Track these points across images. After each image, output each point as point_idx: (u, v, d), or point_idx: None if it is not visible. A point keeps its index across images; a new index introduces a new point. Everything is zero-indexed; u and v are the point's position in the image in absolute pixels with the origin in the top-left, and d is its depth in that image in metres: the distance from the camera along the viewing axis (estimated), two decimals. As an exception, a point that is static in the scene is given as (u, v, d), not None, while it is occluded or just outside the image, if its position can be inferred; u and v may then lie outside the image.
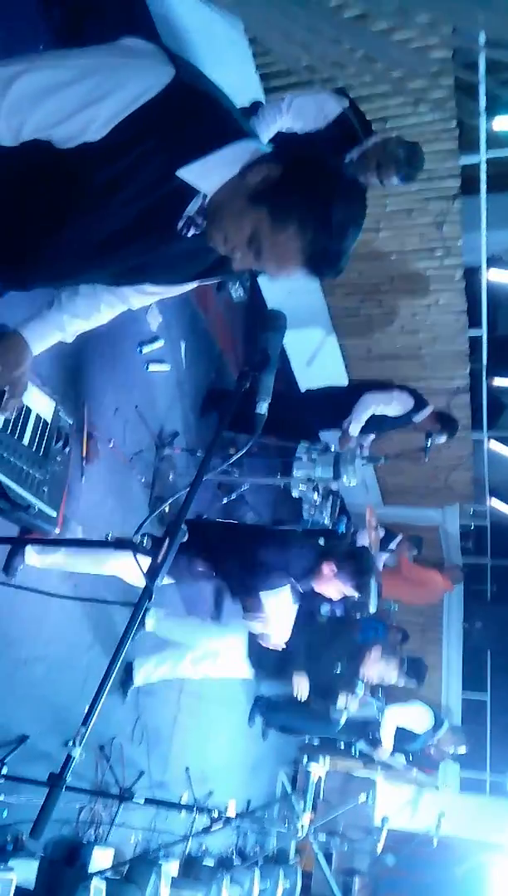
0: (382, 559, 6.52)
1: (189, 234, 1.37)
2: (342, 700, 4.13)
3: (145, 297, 1.66)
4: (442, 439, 5.09)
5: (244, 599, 3.42)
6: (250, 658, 3.74)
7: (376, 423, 5.01)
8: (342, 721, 4.61)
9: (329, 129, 3.33)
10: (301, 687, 3.88)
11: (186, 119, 1.24)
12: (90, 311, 1.63)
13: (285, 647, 3.67)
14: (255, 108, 3.41)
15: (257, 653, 3.72)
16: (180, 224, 1.36)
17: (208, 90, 1.31)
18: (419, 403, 4.95)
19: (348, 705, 4.17)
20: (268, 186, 1.29)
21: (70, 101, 1.19)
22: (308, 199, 1.27)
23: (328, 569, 3.58)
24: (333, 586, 3.60)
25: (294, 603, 3.60)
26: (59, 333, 1.62)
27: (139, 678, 3.96)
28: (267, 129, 3.27)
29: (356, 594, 3.71)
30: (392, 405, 4.89)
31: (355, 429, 4.87)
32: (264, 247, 1.31)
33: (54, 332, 1.62)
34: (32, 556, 3.06)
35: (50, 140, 1.23)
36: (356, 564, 3.69)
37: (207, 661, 3.82)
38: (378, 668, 3.86)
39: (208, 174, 1.30)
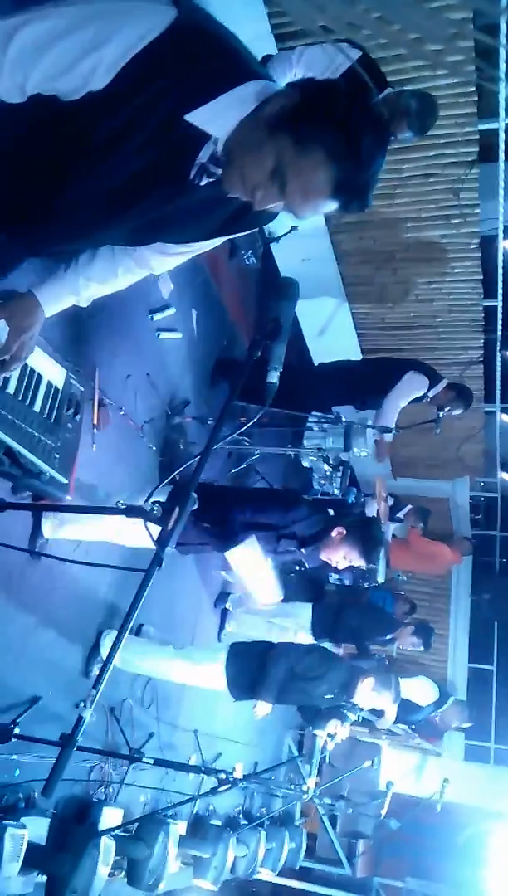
0: (391, 528, 6.55)
1: (202, 183, 1.31)
2: (331, 726, 4.14)
3: (166, 259, 1.60)
4: (458, 411, 5.03)
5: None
6: (229, 672, 3.70)
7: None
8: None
9: (340, 81, 3.26)
10: (262, 709, 3.85)
11: (192, 60, 1.19)
12: (107, 274, 1.58)
13: (266, 669, 3.65)
14: (265, 61, 3.34)
15: (240, 669, 3.69)
16: (193, 173, 1.30)
17: (216, 30, 1.25)
18: (433, 380, 4.91)
19: (336, 732, 4.18)
20: (289, 113, 1.22)
21: (72, 49, 1.15)
22: (334, 124, 1.20)
23: (336, 533, 3.58)
24: (340, 552, 3.61)
25: (265, 556, 3.56)
26: (73, 297, 1.58)
27: (116, 659, 3.90)
28: (278, 81, 3.20)
29: (363, 562, 3.71)
30: (412, 394, 4.86)
31: (389, 437, 4.83)
32: (289, 177, 1.24)
33: (69, 295, 1.58)
34: (47, 528, 3.08)
35: (55, 94, 1.19)
36: (365, 531, 3.69)
37: (186, 669, 3.80)
38: (370, 697, 3.86)
39: (218, 117, 1.24)
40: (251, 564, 3.54)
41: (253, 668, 3.67)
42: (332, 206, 1.27)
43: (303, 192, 1.25)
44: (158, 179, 1.30)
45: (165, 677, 3.87)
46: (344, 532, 3.58)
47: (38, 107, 1.21)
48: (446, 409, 4.95)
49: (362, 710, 4.02)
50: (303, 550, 3.72)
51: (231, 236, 1.58)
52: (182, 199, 1.35)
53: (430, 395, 4.92)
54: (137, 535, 2.75)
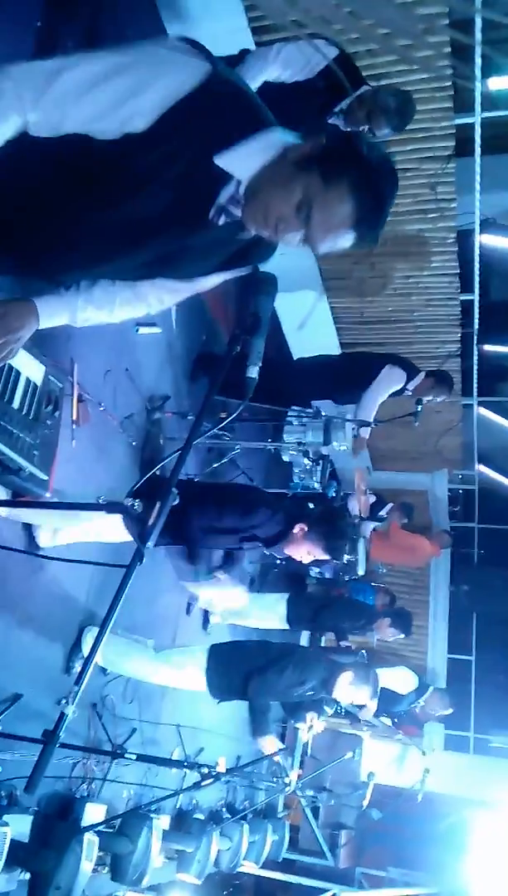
0: (370, 527, 6.58)
1: (220, 223, 1.40)
2: (309, 719, 4.17)
3: (163, 297, 1.66)
4: (442, 397, 5.05)
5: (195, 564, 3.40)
6: (209, 675, 3.71)
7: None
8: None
9: (318, 79, 3.27)
10: (268, 747, 3.87)
11: (224, 109, 1.31)
12: (105, 302, 1.62)
13: (250, 693, 3.67)
14: (242, 55, 3.34)
15: (220, 673, 3.70)
16: (212, 213, 1.39)
17: (242, 84, 1.38)
18: (410, 373, 4.94)
19: (313, 724, 4.20)
20: (315, 154, 1.33)
21: (113, 94, 1.24)
22: (357, 165, 1.33)
23: (298, 530, 3.58)
24: (303, 548, 3.61)
25: (237, 586, 3.59)
26: (68, 315, 1.61)
27: (99, 657, 3.86)
28: (255, 78, 3.20)
29: (326, 556, 3.71)
30: (390, 388, 4.88)
31: (366, 432, 4.85)
32: (315, 209, 1.33)
33: (66, 311, 1.60)
34: (43, 538, 3.07)
35: (89, 133, 1.27)
36: (328, 526, 3.69)
37: (167, 672, 3.80)
38: (349, 691, 3.88)
39: (244, 160, 1.34)
40: (218, 597, 3.56)
41: (233, 676, 3.68)
42: (348, 240, 1.39)
43: (326, 225, 1.36)
44: (179, 216, 1.39)
45: (145, 679, 3.86)
46: (306, 528, 3.58)
47: (68, 143, 1.28)
48: (429, 399, 4.97)
49: (340, 704, 4.05)
50: (267, 551, 3.73)
51: (230, 274, 1.63)
52: (196, 236, 1.44)
53: (409, 388, 4.95)
54: (119, 531, 2.74)
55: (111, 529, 2.97)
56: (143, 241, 1.43)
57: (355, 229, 1.36)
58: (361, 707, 4.47)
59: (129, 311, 1.66)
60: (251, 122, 1.35)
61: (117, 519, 2.87)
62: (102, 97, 1.24)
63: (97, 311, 1.63)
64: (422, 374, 4.97)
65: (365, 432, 4.86)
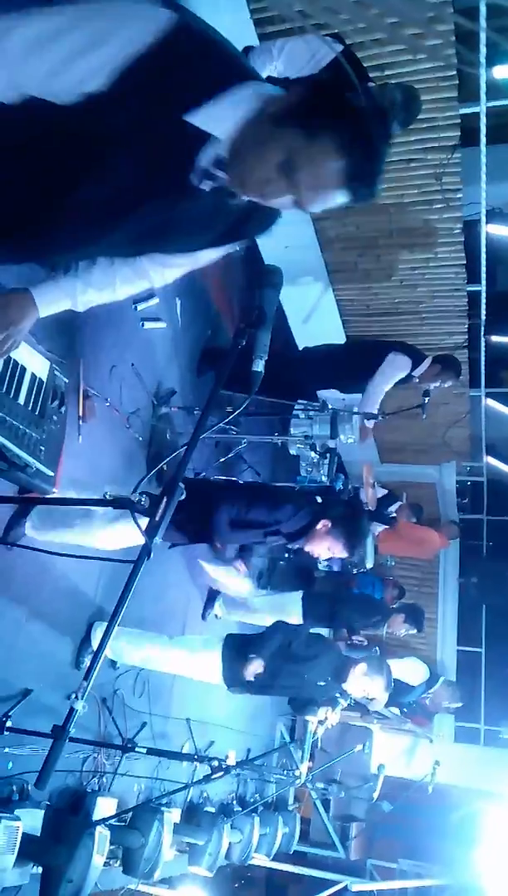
0: (378, 528, 6.57)
1: (206, 188, 1.30)
2: (321, 713, 4.17)
3: (165, 271, 1.59)
4: (449, 383, 5.01)
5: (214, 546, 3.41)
6: (225, 663, 3.71)
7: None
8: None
9: (322, 76, 3.24)
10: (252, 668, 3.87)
11: (191, 62, 1.19)
12: (105, 283, 1.57)
13: (262, 637, 3.68)
14: (246, 52, 3.32)
15: (236, 661, 3.71)
16: (194, 177, 1.29)
17: (212, 34, 1.25)
18: (416, 359, 4.92)
19: (327, 718, 4.20)
20: (297, 106, 1.22)
21: (69, 48, 1.14)
22: (343, 116, 1.22)
23: (321, 525, 3.60)
24: (325, 544, 3.62)
25: (247, 578, 3.60)
26: (69, 300, 1.57)
27: (109, 650, 3.87)
28: (259, 73, 3.18)
29: (346, 554, 3.73)
30: (396, 376, 4.86)
31: (372, 422, 4.84)
32: (301, 168, 1.23)
33: (65, 298, 1.57)
34: (30, 530, 3.07)
35: (52, 97, 1.17)
36: (351, 524, 3.71)
37: (181, 659, 3.80)
38: (362, 683, 3.88)
39: (219, 117, 1.23)
40: (227, 580, 3.58)
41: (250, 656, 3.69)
42: (342, 197, 1.27)
43: (314, 183, 1.25)
44: (158, 183, 1.29)
45: (158, 668, 3.87)
46: (329, 525, 3.59)
47: (34, 110, 1.19)
48: (437, 384, 4.94)
49: (353, 697, 4.04)
50: (290, 545, 3.74)
51: (230, 247, 1.56)
52: (184, 204, 1.34)
53: (416, 374, 4.92)
54: (122, 537, 2.70)
55: (114, 538, 2.96)
56: (125, 213, 1.32)
57: (347, 186, 1.24)
58: (372, 699, 4.47)
59: (131, 289, 1.61)
60: (225, 75, 1.23)
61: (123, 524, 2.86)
62: (53, 54, 1.13)
63: (99, 292, 1.58)
64: (428, 360, 4.94)
65: (370, 422, 4.85)
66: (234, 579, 3.68)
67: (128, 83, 1.15)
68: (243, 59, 1.31)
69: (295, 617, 4.95)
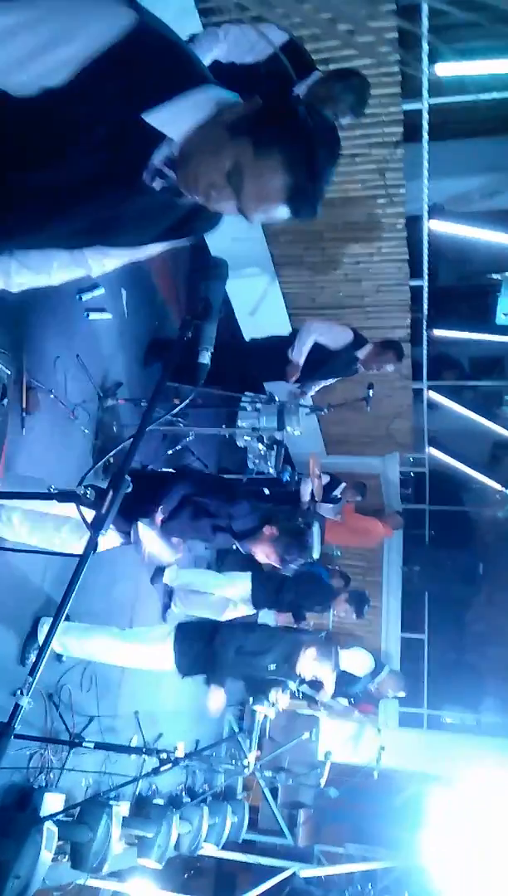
0: (328, 510, 6.65)
1: (156, 186, 1.32)
2: (272, 695, 4.24)
3: (104, 261, 1.57)
4: (392, 365, 5.09)
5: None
6: (177, 650, 3.73)
7: (321, 367, 5.03)
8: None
9: (268, 63, 3.25)
10: (215, 700, 3.90)
11: (151, 63, 1.21)
12: (41, 266, 1.54)
13: (215, 644, 3.72)
14: (192, 39, 3.31)
15: (185, 647, 3.73)
16: (146, 175, 1.30)
17: (172, 36, 1.27)
18: (359, 339, 4.99)
19: (277, 701, 4.27)
20: (250, 119, 1.25)
21: (29, 45, 1.14)
22: (293, 134, 1.24)
23: (268, 531, 3.66)
24: (265, 549, 3.69)
25: (176, 550, 3.62)
26: (2, 280, 1.54)
27: (58, 645, 3.75)
28: (204, 56, 3.16)
29: (278, 565, 3.82)
30: (332, 333, 4.92)
31: (299, 355, 4.87)
32: (246, 180, 1.25)
33: None
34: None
35: (9, 89, 1.17)
36: (293, 539, 3.79)
37: (132, 650, 3.80)
38: (312, 666, 3.96)
39: (175, 119, 1.25)
40: (156, 547, 3.57)
41: (201, 646, 3.71)
42: (283, 212, 1.30)
43: (258, 196, 1.27)
44: (111, 179, 1.30)
45: (108, 660, 3.85)
46: (275, 533, 3.65)
47: None
48: (379, 368, 5.00)
49: (303, 679, 4.12)
50: (236, 544, 3.77)
51: (172, 244, 1.56)
52: (134, 201, 1.35)
53: (359, 355, 4.98)
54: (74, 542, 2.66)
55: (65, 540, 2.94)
56: (73, 207, 1.33)
57: (288, 203, 1.28)
58: (320, 689, 4.55)
59: (67, 275, 1.59)
60: (183, 78, 1.25)
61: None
62: (20, 46, 1.14)
63: (34, 275, 1.55)
64: (370, 344, 5.01)
65: (299, 357, 4.89)
66: (163, 550, 3.68)
67: (88, 80, 1.16)
68: (200, 62, 1.33)
69: (244, 599, 5.01)
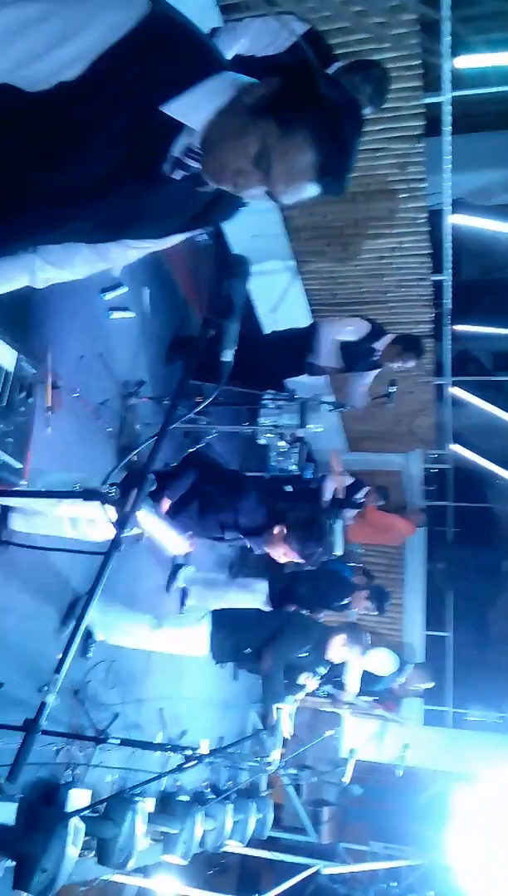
0: (352, 513, 6.62)
1: (177, 177, 1.30)
2: (302, 678, 4.25)
3: (127, 252, 1.57)
4: (412, 363, 5.05)
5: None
6: (213, 637, 3.76)
7: (345, 359, 5.01)
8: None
9: (289, 53, 3.24)
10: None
11: (166, 52, 1.19)
12: (65, 260, 1.54)
13: (267, 668, 3.78)
14: (212, 33, 3.31)
15: (222, 635, 3.75)
16: (167, 166, 1.29)
17: (187, 24, 1.25)
18: (377, 330, 4.95)
19: (307, 683, 4.30)
20: (271, 98, 1.23)
21: (46, 36, 1.12)
22: (316, 108, 1.22)
23: (277, 531, 3.63)
24: (281, 549, 3.66)
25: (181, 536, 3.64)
26: (27, 276, 1.54)
27: (100, 634, 3.92)
28: (225, 52, 3.16)
29: (302, 561, 3.78)
30: (349, 329, 4.89)
31: (328, 362, 4.86)
32: (274, 160, 1.23)
33: (23, 273, 1.53)
34: (18, 522, 3.04)
35: (21, 84, 1.15)
36: (307, 531, 3.75)
37: (170, 634, 3.84)
38: (342, 652, 3.98)
39: (194, 107, 1.23)
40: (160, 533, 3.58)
41: (236, 639, 3.73)
42: (313, 189, 1.29)
43: (287, 176, 1.26)
44: (131, 173, 1.28)
45: (143, 645, 3.88)
46: (285, 531, 3.62)
47: (2, 95, 1.17)
48: (400, 364, 4.96)
49: (330, 664, 4.14)
50: (248, 543, 3.77)
51: (193, 233, 1.56)
52: (154, 193, 1.34)
53: (377, 346, 4.94)
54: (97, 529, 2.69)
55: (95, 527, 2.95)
56: (94, 202, 1.32)
57: (318, 180, 1.26)
58: (342, 689, 4.55)
59: (91, 269, 1.59)
60: (200, 66, 1.24)
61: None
62: (33, 39, 1.12)
63: (58, 270, 1.56)
64: (390, 336, 4.97)
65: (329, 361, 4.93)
66: (169, 537, 3.69)
67: (103, 73, 1.14)
68: (216, 48, 1.31)
69: (259, 597, 5.01)
